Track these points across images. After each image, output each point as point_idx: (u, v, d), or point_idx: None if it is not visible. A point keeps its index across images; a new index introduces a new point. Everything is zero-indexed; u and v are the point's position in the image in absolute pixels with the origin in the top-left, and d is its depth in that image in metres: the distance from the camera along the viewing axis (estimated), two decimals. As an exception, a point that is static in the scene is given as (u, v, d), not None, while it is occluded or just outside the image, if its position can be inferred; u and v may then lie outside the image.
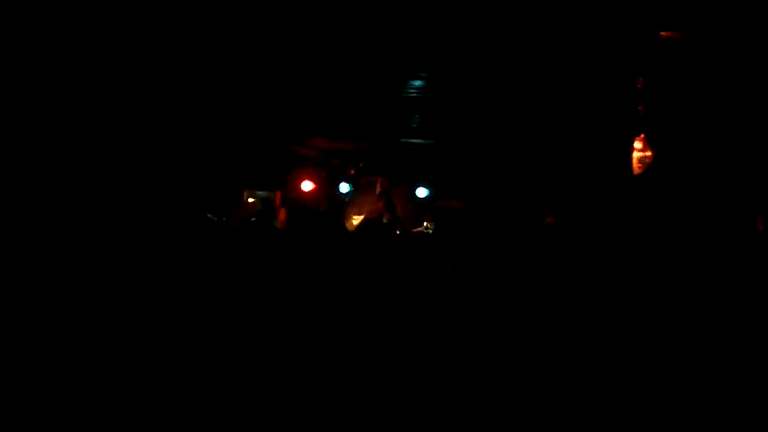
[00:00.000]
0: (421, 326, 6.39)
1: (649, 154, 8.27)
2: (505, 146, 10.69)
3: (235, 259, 7.64)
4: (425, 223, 10.28)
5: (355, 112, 10.03)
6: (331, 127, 10.75)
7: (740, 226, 7.78)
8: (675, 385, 5.45)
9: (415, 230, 10.24)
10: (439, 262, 8.00)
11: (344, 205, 11.89)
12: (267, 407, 5.06)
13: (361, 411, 5.07)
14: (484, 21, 6.96)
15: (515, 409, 5.16)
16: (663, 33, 7.19)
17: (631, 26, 7.12)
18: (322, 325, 6.27)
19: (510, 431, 5.05)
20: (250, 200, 11.41)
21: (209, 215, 9.31)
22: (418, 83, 8.75)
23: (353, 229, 10.48)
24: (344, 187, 11.77)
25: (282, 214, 11.41)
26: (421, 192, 11.64)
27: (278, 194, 11.80)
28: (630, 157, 8.32)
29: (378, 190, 10.57)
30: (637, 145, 8.27)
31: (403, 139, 11.37)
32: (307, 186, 11.81)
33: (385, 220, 9.89)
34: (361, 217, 10.70)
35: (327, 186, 11.84)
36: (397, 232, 9.47)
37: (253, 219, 10.21)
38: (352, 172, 11.91)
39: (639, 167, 8.25)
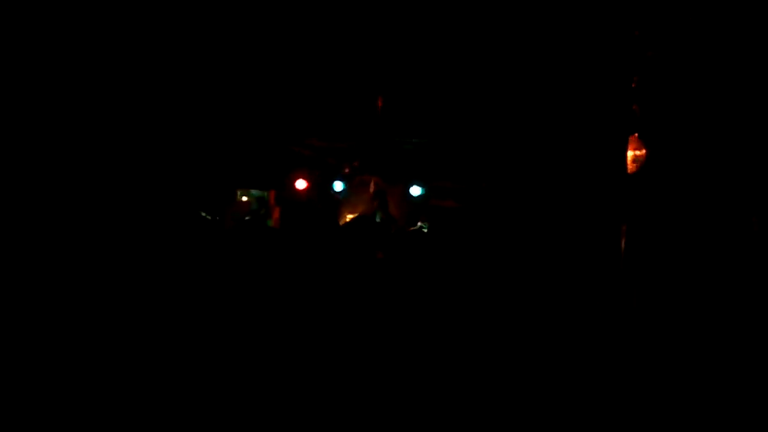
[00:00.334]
0: (414, 323, 6.39)
1: (643, 152, 8.27)
2: (500, 145, 10.68)
3: (229, 258, 7.62)
4: (419, 223, 10.25)
5: (349, 111, 10.01)
6: (326, 127, 10.74)
7: (735, 226, 7.78)
8: (664, 384, 5.46)
9: (411, 229, 10.21)
10: (433, 259, 7.99)
11: (338, 204, 11.85)
12: (261, 403, 5.04)
13: (355, 407, 5.06)
14: (480, 20, 6.96)
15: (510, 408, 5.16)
16: (656, 34, 7.20)
17: (626, 26, 7.13)
18: (315, 322, 6.27)
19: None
20: (244, 199, 11.38)
21: (203, 214, 9.29)
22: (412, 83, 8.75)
23: (347, 227, 10.47)
24: (338, 186, 11.74)
25: (276, 213, 11.38)
26: (415, 191, 11.63)
27: (272, 193, 11.76)
28: (624, 156, 8.33)
29: (372, 189, 10.54)
30: (632, 144, 8.28)
31: (397, 138, 11.36)
32: (301, 185, 11.78)
33: (378, 219, 9.88)
34: (355, 215, 10.68)
35: (321, 185, 11.81)
36: (392, 231, 9.46)
37: (247, 218, 10.18)
38: (347, 170, 11.88)
39: (633, 166, 8.25)
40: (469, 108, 9.76)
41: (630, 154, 8.31)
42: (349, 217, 11.19)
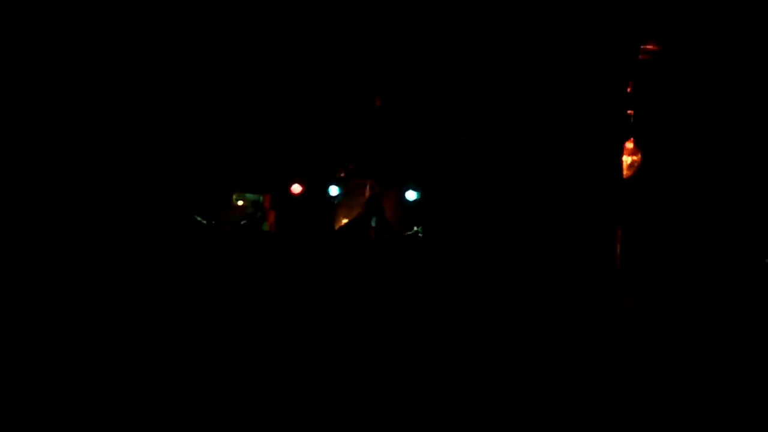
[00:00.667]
0: (410, 327, 6.39)
1: (638, 158, 8.29)
2: (495, 150, 10.69)
3: (225, 263, 7.62)
4: (415, 227, 10.25)
5: (345, 115, 10.01)
6: (322, 131, 10.73)
7: (730, 230, 7.81)
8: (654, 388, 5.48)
9: (407, 233, 10.22)
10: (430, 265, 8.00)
11: (334, 208, 11.84)
12: (256, 407, 5.04)
13: (351, 412, 5.06)
14: (476, 24, 6.97)
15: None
16: (651, 41, 7.23)
17: (622, 31, 7.14)
18: (311, 326, 6.27)
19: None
20: (240, 203, 11.35)
21: (198, 218, 9.27)
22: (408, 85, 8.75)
23: (342, 231, 10.46)
24: (334, 190, 11.72)
25: (272, 217, 11.36)
26: (411, 195, 11.61)
27: (268, 197, 11.74)
28: (620, 162, 8.34)
29: (368, 193, 10.53)
30: (627, 149, 8.30)
31: (392, 142, 11.36)
32: (296, 189, 11.77)
33: (374, 224, 9.88)
34: (351, 219, 10.67)
35: (317, 189, 11.80)
36: (387, 236, 9.46)
37: (243, 222, 10.17)
38: (342, 174, 11.86)
39: (628, 172, 8.27)
40: (465, 112, 9.77)
41: (625, 159, 8.33)
42: (345, 221, 11.18)
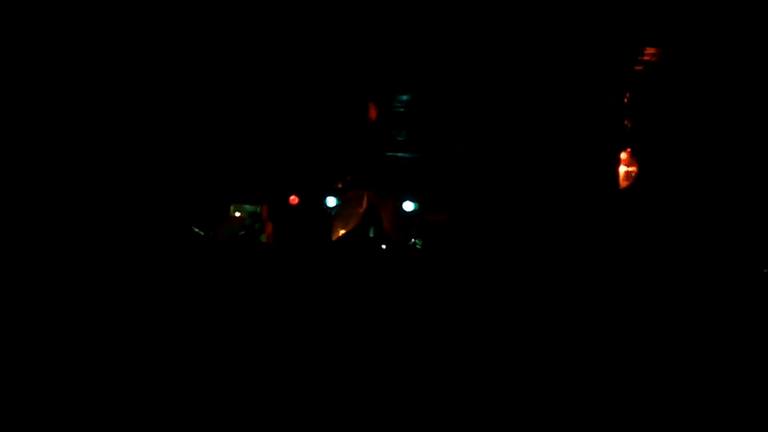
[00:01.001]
0: (409, 340, 6.38)
1: (635, 169, 8.32)
2: (492, 160, 10.73)
3: (222, 274, 7.61)
4: (413, 239, 10.26)
5: (342, 126, 10.04)
6: (319, 142, 10.76)
7: (728, 240, 7.82)
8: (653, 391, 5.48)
9: (405, 245, 10.22)
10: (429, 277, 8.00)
11: (331, 219, 11.84)
12: (250, 420, 5.03)
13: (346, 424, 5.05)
14: (472, 34, 6.99)
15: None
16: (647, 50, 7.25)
17: (619, 42, 7.17)
18: (309, 338, 6.26)
19: None
20: (237, 214, 11.35)
21: (195, 229, 9.27)
22: (405, 97, 8.78)
23: (340, 242, 10.46)
24: (331, 201, 11.73)
25: (269, 228, 11.36)
26: (408, 206, 11.63)
27: (265, 208, 11.75)
28: (616, 172, 8.36)
29: (365, 204, 10.54)
30: (624, 160, 8.32)
31: (389, 153, 11.39)
32: (293, 200, 11.78)
33: (371, 234, 9.88)
34: (348, 230, 10.67)
35: (314, 200, 11.81)
36: (383, 247, 9.46)
37: (241, 233, 10.17)
38: (339, 185, 11.87)
39: (625, 183, 8.29)
40: (462, 122, 9.80)
41: (622, 170, 8.35)
42: (342, 232, 11.19)
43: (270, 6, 7.49)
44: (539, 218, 9.81)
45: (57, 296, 6.40)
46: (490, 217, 10.74)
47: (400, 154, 11.45)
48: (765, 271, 7.83)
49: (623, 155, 8.40)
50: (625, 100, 8.27)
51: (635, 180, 8.38)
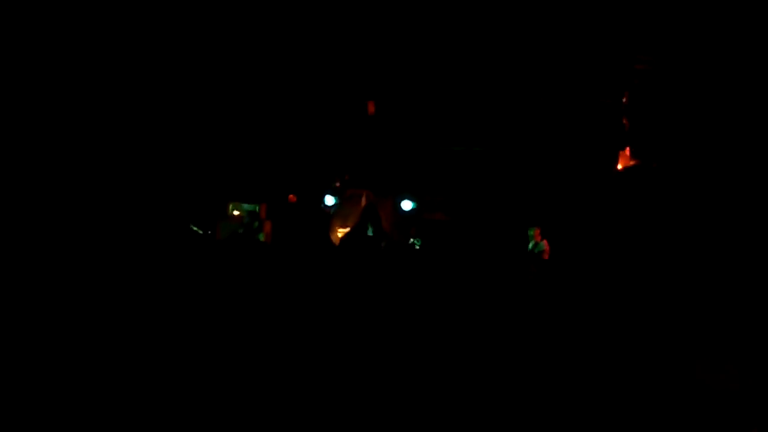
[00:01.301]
0: (407, 337, 6.39)
1: (633, 166, 8.34)
2: (491, 159, 10.76)
3: (221, 272, 7.61)
4: (412, 239, 10.26)
5: (341, 126, 10.05)
6: (318, 142, 10.77)
7: (728, 237, 7.84)
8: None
9: (403, 243, 10.23)
10: (430, 274, 8.00)
11: (329, 218, 11.85)
12: (247, 416, 5.03)
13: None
14: (473, 35, 7.00)
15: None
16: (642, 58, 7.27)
17: (618, 43, 7.19)
18: (307, 335, 6.26)
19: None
20: (236, 213, 11.35)
21: (194, 228, 9.28)
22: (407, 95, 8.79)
23: (338, 241, 10.46)
24: (329, 200, 11.73)
25: (268, 227, 11.37)
26: (406, 205, 11.63)
27: (264, 207, 11.75)
28: (615, 170, 8.38)
29: (363, 202, 10.55)
30: (622, 158, 8.34)
31: (388, 152, 11.41)
32: (292, 198, 11.79)
33: (370, 233, 9.88)
34: (347, 229, 10.67)
35: (313, 198, 11.82)
36: (382, 245, 9.46)
37: (240, 231, 10.18)
38: (338, 184, 11.88)
39: (623, 179, 8.31)
40: (461, 122, 9.81)
41: (620, 167, 8.37)
42: (340, 230, 11.19)
43: (269, 6, 7.49)
44: (539, 216, 9.83)
45: (57, 294, 6.40)
46: (488, 216, 10.76)
47: (398, 154, 11.47)
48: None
49: (622, 154, 8.42)
50: (624, 100, 8.29)
51: (633, 178, 8.39)
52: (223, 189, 11.23)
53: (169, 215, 9.18)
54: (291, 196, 11.68)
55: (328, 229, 11.42)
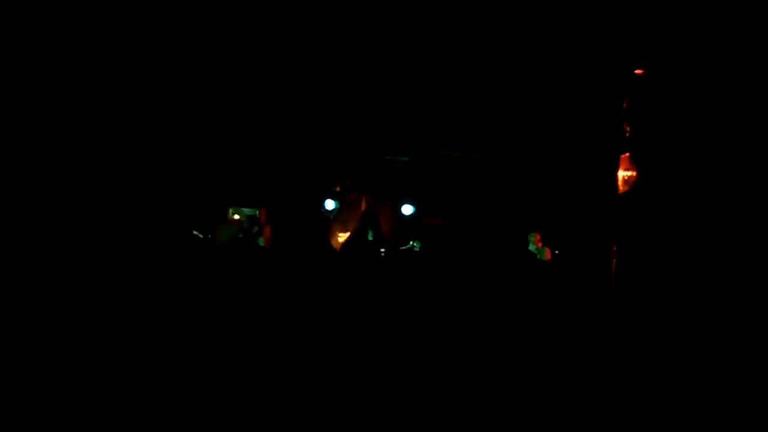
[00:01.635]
0: (407, 342, 6.39)
1: (633, 173, 8.34)
2: (491, 165, 10.77)
3: (221, 277, 7.62)
4: (411, 242, 10.27)
5: (341, 131, 10.06)
6: (318, 146, 10.78)
7: (726, 244, 7.84)
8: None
9: (403, 248, 10.23)
10: (428, 279, 8.01)
11: (329, 223, 11.86)
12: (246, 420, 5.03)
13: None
14: (471, 41, 7.01)
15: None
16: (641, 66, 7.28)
17: (617, 49, 7.20)
18: (307, 341, 6.27)
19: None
20: (236, 217, 11.35)
21: (195, 232, 9.28)
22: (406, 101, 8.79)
23: (338, 246, 10.47)
24: (329, 204, 11.74)
25: (267, 232, 11.37)
26: (407, 210, 11.64)
27: (264, 211, 11.75)
28: (615, 176, 8.38)
29: (363, 207, 10.56)
30: (622, 164, 8.34)
31: (388, 156, 11.41)
32: (293, 203, 11.80)
33: (370, 237, 9.88)
34: (347, 234, 10.68)
35: (313, 203, 11.83)
36: (382, 250, 9.47)
37: (240, 235, 10.17)
38: (338, 189, 11.89)
39: (624, 187, 8.31)
40: (460, 128, 9.82)
41: (621, 174, 8.37)
42: (340, 235, 11.20)
43: (269, 10, 7.51)
44: (538, 223, 9.84)
45: (58, 297, 6.40)
46: (488, 221, 10.77)
47: (398, 159, 11.48)
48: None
49: (622, 160, 8.42)
50: (624, 105, 8.30)
51: (633, 184, 8.40)
52: (222, 193, 11.23)
53: (168, 219, 9.18)
54: (292, 201, 11.70)
55: (328, 234, 11.43)
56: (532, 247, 9.38)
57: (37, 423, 4.56)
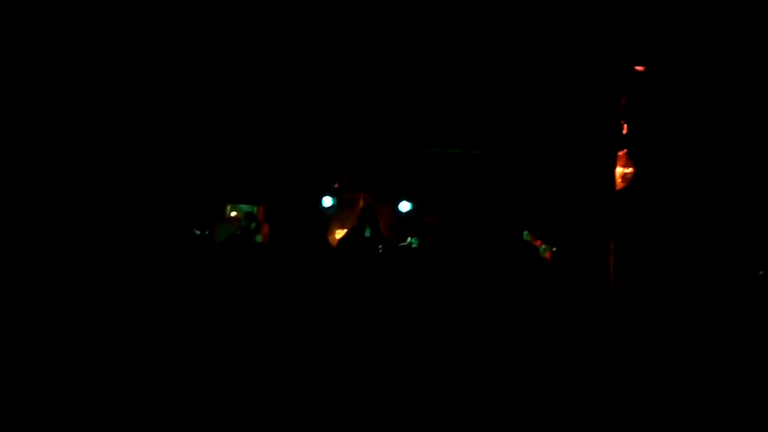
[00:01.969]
0: (405, 339, 6.40)
1: (631, 170, 8.34)
2: (490, 163, 10.78)
3: (219, 273, 7.62)
4: (409, 239, 10.28)
5: (339, 128, 10.06)
6: (316, 144, 10.78)
7: (723, 241, 7.86)
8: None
9: (400, 245, 10.25)
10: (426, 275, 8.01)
11: (327, 220, 11.86)
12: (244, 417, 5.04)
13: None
14: (470, 40, 7.02)
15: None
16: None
17: (616, 47, 7.20)
18: (305, 337, 6.28)
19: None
20: (234, 214, 11.36)
21: (193, 229, 9.28)
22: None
23: (336, 243, 10.48)
24: (327, 202, 11.75)
25: (266, 229, 11.37)
26: (404, 207, 11.65)
27: (262, 209, 11.76)
28: (613, 173, 8.39)
29: (361, 204, 10.56)
30: (620, 161, 8.35)
31: (386, 154, 11.42)
32: (291, 200, 11.80)
33: (368, 234, 9.90)
34: (344, 231, 10.69)
35: (311, 200, 11.83)
36: (380, 247, 9.48)
37: (238, 233, 10.18)
38: (336, 186, 11.89)
39: (621, 184, 8.31)
40: (459, 125, 9.83)
41: (618, 171, 8.38)
42: (338, 232, 11.21)
43: (269, 8, 7.52)
44: (537, 219, 9.85)
45: (57, 294, 6.41)
46: (486, 218, 10.77)
47: (396, 156, 11.48)
48: (760, 273, 7.87)
49: (620, 157, 8.42)
50: (622, 103, 8.31)
51: (632, 181, 8.41)
52: (220, 191, 11.24)
53: (167, 217, 9.19)
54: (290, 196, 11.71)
55: (326, 231, 11.44)
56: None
57: (37, 423, 4.57)
